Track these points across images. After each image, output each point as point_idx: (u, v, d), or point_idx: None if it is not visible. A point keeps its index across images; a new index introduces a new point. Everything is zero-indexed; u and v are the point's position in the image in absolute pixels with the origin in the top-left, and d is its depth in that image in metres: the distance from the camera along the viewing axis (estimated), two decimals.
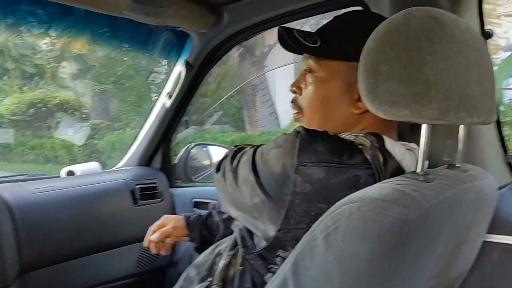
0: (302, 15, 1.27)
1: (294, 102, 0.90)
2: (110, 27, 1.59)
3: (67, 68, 9.18)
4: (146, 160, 1.85)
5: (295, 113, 0.90)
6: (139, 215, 1.64)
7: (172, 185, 1.84)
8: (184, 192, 1.80)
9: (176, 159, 1.92)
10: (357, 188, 0.66)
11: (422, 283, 0.70)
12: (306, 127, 0.75)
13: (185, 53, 1.59)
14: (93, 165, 1.82)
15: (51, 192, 1.46)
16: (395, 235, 0.58)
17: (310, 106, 0.86)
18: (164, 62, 1.74)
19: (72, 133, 8.20)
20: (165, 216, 1.16)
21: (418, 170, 0.67)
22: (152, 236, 1.12)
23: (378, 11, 1.01)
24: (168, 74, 1.71)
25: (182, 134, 1.94)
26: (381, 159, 0.73)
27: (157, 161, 1.86)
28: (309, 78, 0.86)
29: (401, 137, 0.87)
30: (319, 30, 0.88)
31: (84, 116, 8.50)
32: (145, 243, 1.14)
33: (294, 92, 0.90)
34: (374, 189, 0.62)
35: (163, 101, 1.71)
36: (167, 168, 1.85)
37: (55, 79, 8.94)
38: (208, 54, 1.53)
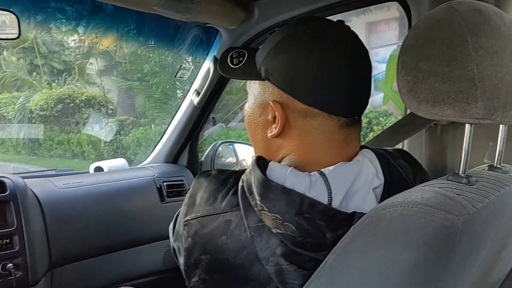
0: (335, 11, 1.24)
1: None
2: (138, 24, 1.61)
3: (94, 65, 9.36)
4: (173, 157, 1.85)
5: None
6: (166, 212, 1.64)
7: None
8: None
9: (202, 157, 1.91)
10: (227, 235, 0.65)
11: None
12: None
13: (214, 50, 1.57)
14: (121, 162, 1.83)
15: (80, 188, 1.48)
16: (441, 242, 0.55)
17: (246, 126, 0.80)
18: (193, 59, 1.73)
19: (98, 129, 8.36)
20: None
21: (460, 172, 0.63)
22: None
23: (417, 5, 0.97)
24: (196, 71, 1.70)
25: (208, 131, 1.94)
26: (252, 182, 0.65)
27: (184, 159, 1.85)
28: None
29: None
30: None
31: (110, 112, 8.66)
32: None
33: None
34: (416, 192, 0.59)
35: (191, 98, 1.70)
36: (194, 166, 1.85)
37: (83, 76, 9.13)
38: None
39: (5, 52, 8.77)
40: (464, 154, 0.63)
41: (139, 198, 1.60)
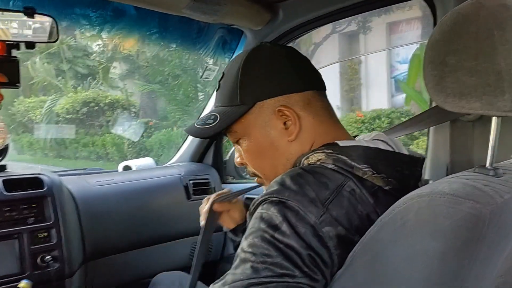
0: (358, 10, 1.25)
1: (249, 173, 0.88)
2: (161, 27, 1.65)
3: (117, 68, 9.52)
4: (199, 156, 1.89)
5: (258, 182, 0.89)
6: (192, 209, 1.66)
7: (223, 181, 1.87)
8: (235, 188, 1.82)
9: (227, 156, 1.94)
10: (357, 200, 0.69)
11: (491, 281, 0.67)
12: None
13: (238, 51, 1.60)
14: (148, 161, 1.89)
15: (111, 185, 1.53)
16: (469, 230, 0.56)
17: (261, 166, 0.84)
18: (216, 60, 1.76)
19: (122, 131, 8.49)
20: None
21: (487, 164, 0.64)
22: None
23: (442, 2, 0.98)
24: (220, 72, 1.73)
25: None
26: (346, 157, 0.71)
27: (209, 158, 1.89)
28: (240, 146, 0.84)
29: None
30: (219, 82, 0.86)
31: (133, 114, 8.79)
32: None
33: (241, 164, 0.88)
34: (443, 183, 0.60)
35: None
36: (219, 165, 1.88)
37: (106, 79, 9.29)
38: None
39: (36, 58, 9.01)
40: (491, 147, 0.64)
41: (166, 196, 1.65)
